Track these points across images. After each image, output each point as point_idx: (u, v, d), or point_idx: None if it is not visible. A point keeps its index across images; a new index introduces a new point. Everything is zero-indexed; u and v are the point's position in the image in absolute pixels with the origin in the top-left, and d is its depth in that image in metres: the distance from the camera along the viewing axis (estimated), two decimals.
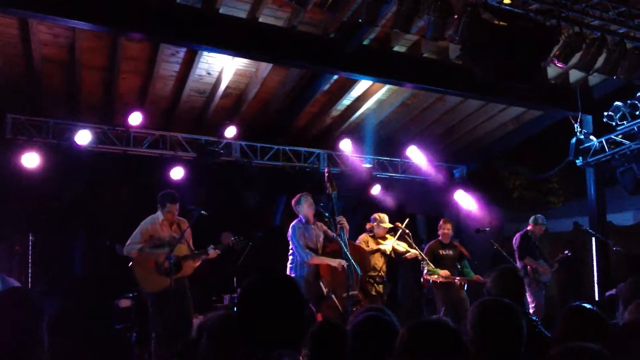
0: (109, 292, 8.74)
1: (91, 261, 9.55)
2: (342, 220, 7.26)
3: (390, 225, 8.36)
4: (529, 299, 8.79)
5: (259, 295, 2.18)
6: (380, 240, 8.34)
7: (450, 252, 8.76)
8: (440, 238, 8.87)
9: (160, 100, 9.33)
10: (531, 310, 8.54)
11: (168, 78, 8.79)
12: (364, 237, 8.36)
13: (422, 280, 8.66)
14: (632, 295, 4.01)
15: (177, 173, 9.18)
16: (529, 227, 9.21)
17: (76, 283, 9.14)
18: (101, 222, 10.09)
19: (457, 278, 8.49)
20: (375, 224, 8.35)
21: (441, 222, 9.02)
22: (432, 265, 8.25)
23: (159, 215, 6.88)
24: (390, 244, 8.26)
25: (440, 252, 8.72)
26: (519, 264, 9.02)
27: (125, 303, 8.38)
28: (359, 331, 3.01)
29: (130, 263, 6.75)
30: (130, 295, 8.27)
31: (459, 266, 8.75)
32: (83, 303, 8.85)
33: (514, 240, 9.27)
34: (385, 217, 8.40)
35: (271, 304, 2.15)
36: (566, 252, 9.27)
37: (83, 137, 8.53)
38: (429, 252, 8.70)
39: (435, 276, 8.36)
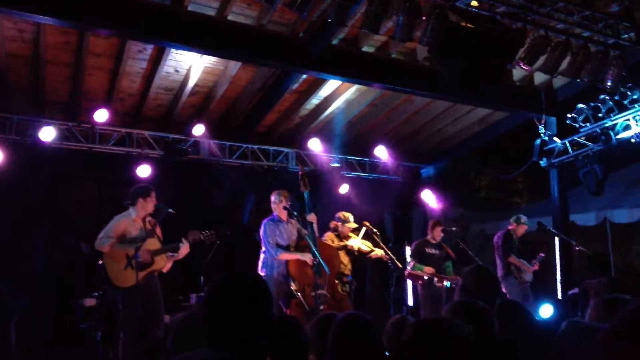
0: (74, 291, 8.65)
1: (55, 259, 9.43)
2: (313, 218, 7.30)
3: (355, 225, 8.38)
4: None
5: (225, 294, 2.15)
6: (344, 240, 8.34)
7: (437, 252, 8.91)
8: (428, 237, 9.00)
9: (127, 97, 9.24)
10: None
11: (135, 75, 8.70)
12: (329, 235, 8.33)
13: (405, 274, 8.80)
14: (608, 293, 4.05)
15: (144, 171, 9.11)
16: (510, 227, 9.25)
17: (40, 281, 9.02)
18: (66, 219, 9.99)
19: (445, 278, 8.65)
20: (339, 223, 8.35)
21: (432, 223, 9.16)
22: (399, 263, 8.33)
23: (132, 212, 6.81)
24: (357, 241, 8.29)
25: (427, 250, 8.89)
26: (499, 264, 9.09)
27: (90, 302, 8.28)
28: (343, 330, 2.97)
29: (101, 261, 6.67)
30: (96, 294, 8.19)
31: (443, 266, 8.89)
32: (47, 302, 8.74)
33: (495, 239, 9.29)
34: (350, 216, 8.39)
35: (238, 303, 2.12)
36: (541, 253, 9.35)
37: (47, 134, 8.39)
38: (416, 249, 8.90)
39: (419, 272, 8.58)
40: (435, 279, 8.64)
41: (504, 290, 8.92)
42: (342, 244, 8.16)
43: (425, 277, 8.67)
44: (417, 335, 2.58)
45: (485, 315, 2.97)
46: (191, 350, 2.60)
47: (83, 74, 8.40)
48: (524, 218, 9.27)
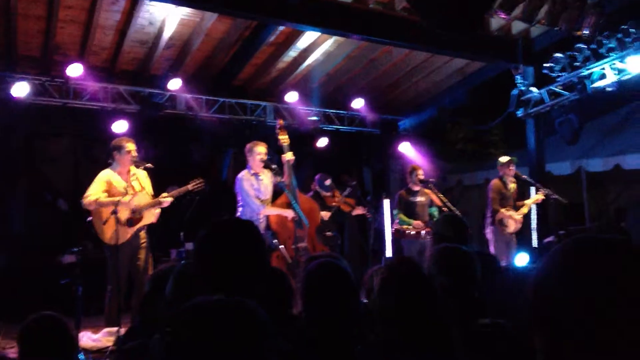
0: (52, 248, 8.63)
1: (33, 218, 9.37)
2: (289, 156, 7.26)
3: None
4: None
5: (218, 237, 2.15)
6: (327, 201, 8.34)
7: (422, 199, 8.74)
8: (409, 185, 8.85)
9: (101, 51, 9.06)
10: None
11: (109, 28, 8.51)
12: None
13: (392, 230, 8.74)
14: None
15: (120, 126, 8.98)
16: (500, 173, 9.09)
17: (19, 240, 8.97)
18: (42, 177, 9.89)
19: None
20: (318, 186, 8.33)
21: (410, 169, 8.95)
22: (399, 216, 8.32)
23: (114, 167, 6.78)
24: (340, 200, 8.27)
25: (411, 199, 8.72)
26: (487, 212, 9.02)
27: (69, 258, 8.27)
28: (312, 277, 2.97)
29: (90, 218, 6.68)
30: (75, 250, 8.15)
31: (428, 212, 8.79)
32: (27, 260, 8.71)
33: (487, 190, 9.20)
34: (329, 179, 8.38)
35: (234, 245, 2.12)
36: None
37: (20, 90, 8.22)
38: (400, 200, 8.72)
39: (406, 226, 8.47)
40: (423, 232, 8.45)
41: (487, 238, 8.96)
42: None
43: (413, 233, 8.54)
44: (388, 276, 2.63)
45: (468, 259, 3.02)
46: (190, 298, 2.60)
47: (55, 27, 8.20)
48: (506, 157, 9.10)
